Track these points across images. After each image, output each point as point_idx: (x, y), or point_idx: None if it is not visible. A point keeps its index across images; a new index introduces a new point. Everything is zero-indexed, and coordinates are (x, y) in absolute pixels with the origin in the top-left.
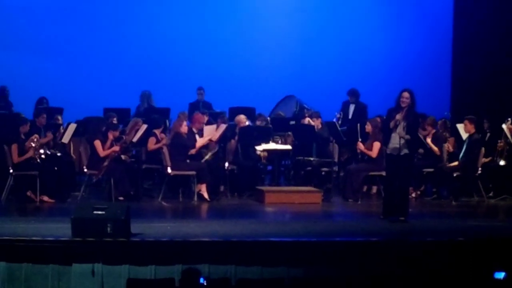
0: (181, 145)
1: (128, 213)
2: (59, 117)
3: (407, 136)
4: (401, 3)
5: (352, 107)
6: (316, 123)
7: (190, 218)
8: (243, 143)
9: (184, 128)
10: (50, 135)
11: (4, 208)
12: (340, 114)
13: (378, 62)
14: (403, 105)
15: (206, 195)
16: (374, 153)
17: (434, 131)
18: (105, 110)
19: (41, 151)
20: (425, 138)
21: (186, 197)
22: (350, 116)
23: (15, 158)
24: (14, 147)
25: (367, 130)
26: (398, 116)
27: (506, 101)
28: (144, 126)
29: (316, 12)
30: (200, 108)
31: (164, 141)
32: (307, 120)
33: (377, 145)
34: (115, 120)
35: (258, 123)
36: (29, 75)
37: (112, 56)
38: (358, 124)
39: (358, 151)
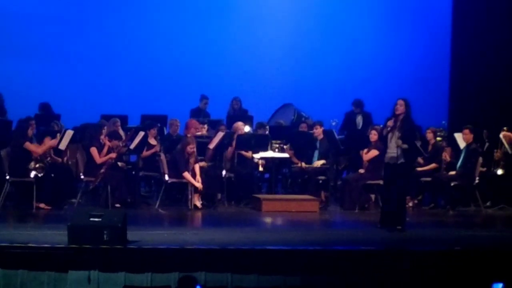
0: (182, 159)
1: (124, 220)
2: (55, 125)
3: (405, 145)
4: (399, 13)
5: (360, 118)
6: (318, 131)
7: (187, 226)
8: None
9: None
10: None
11: (0, 214)
12: (335, 122)
13: (376, 71)
14: (397, 112)
15: (198, 204)
16: (366, 157)
17: (433, 141)
18: (102, 116)
19: (37, 165)
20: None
21: (183, 204)
22: (359, 127)
23: (36, 150)
24: (28, 144)
25: (373, 140)
26: (389, 123)
27: (505, 110)
28: (142, 133)
29: (314, 21)
30: (201, 116)
31: (157, 148)
32: (304, 126)
33: (373, 153)
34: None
35: (260, 132)
36: (26, 81)
37: (109, 62)
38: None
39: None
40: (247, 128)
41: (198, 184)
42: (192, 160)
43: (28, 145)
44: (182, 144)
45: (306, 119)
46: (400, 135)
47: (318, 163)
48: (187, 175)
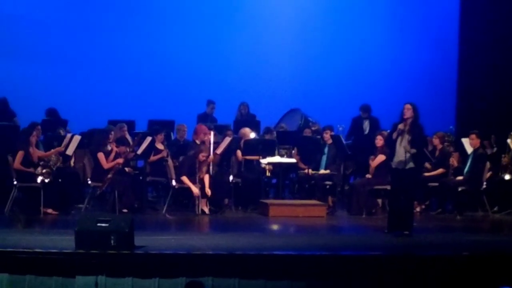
0: (188, 164)
1: (131, 226)
2: (61, 131)
3: (413, 150)
4: (406, 17)
5: (367, 123)
6: (328, 136)
7: (194, 231)
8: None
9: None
10: (58, 149)
11: (7, 220)
12: (342, 127)
13: (383, 76)
14: (404, 116)
15: (206, 210)
16: (374, 163)
17: (441, 146)
18: (109, 122)
19: (44, 170)
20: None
21: (190, 210)
22: (366, 132)
23: (17, 164)
24: (20, 153)
25: (378, 145)
26: (401, 126)
27: None
28: (149, 139)
29: (321, 26)
30: (208, 121)
31: (164, 153)
32: (308, 131)
33: (380, 158)
34: (126, 133)
35: (267, 137)
36: (33, 86)
37: (116, 68)
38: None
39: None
40: (253, 135)
41: (195, 189)
42: (204, 168)
43: (18, 155)
44: (195, 151)
45: (313, 124)
46: (410, 138)
47: (323, 172)
48: (185, 179)
